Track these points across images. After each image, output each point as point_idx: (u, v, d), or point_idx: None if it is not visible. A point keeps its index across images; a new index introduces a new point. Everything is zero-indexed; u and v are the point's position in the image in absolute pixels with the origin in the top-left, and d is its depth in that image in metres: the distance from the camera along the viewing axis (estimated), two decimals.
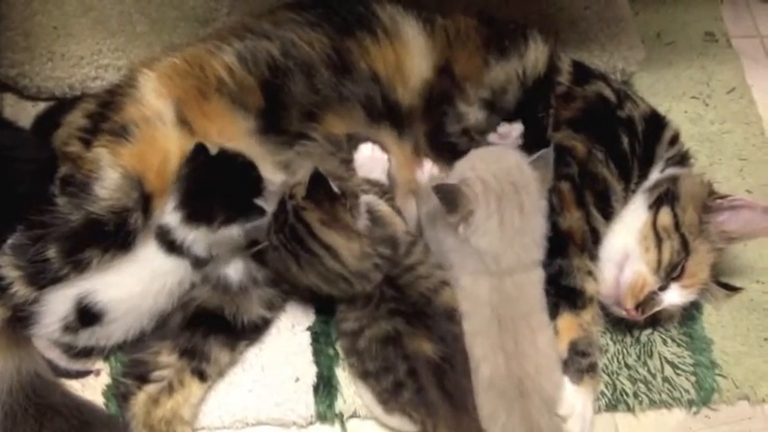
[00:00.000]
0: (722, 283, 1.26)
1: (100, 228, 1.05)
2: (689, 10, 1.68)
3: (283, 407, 1.16)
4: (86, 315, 1.07)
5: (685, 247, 1.19)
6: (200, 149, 1.09)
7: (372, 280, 1.08)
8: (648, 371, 1.26)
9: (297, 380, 1.19)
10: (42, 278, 1.04)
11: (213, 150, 1.10)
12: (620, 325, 1.27)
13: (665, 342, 1.29)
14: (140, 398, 1.11)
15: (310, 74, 1.17)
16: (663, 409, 1.25)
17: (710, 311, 1.33)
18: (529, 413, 1.05)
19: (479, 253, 1.06)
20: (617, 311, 1.21)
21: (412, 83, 1.20)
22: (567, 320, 1.15)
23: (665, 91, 1.56)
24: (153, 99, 1.14)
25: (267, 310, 1.20)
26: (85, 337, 1.09)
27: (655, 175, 1.29)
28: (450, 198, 1.05)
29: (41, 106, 1.33)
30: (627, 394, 1.23)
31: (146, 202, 1.08)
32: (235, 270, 1.18)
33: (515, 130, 1.20)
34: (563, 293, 1.16)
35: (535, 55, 1.26)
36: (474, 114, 1.22)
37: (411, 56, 1.20)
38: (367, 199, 1.13)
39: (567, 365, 1.13)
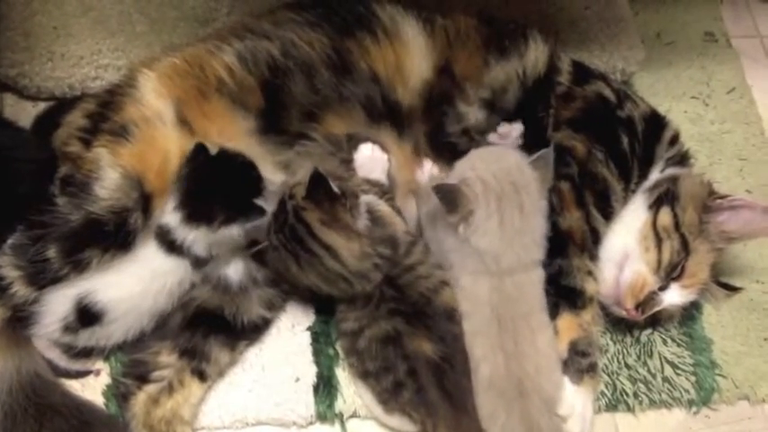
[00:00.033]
0: (722, 283, 1.26)
1: (100, 228, 1.05)
2: (689, 10, 1.68)
3: (283, 407, 1.16)
4: (86, 315, 1.07)
5: (685, 247, 1.19)
6: (200, 149, 1.09)
7: (372, 280, 1.08)
8: (648, 371, 1.26)
9: (297, 380, 1.19)
10: (42, 278, 1.04)
11: (213, 150, 1.10)
12: (620, 325, 1.28)
13: (665, 342, 1.29)
14: (140, 398, 1.11)
15: (310, 74, 1.17)
16: (663, 409, 1.25)
17: (710, 311, 1.33)
18: (528, 413, 1.05)
19: (479, 253, 1.06)
20: (617, 311, 1.21)
21: (412, 83, 1.20)
22: (566, 320, 1.15)
23: (665, 91, 1.56)
24: (153, 99, 1.14)
25: (267, 310, 1.20)
26: (85, 337, 1.09)
27: (655, 175, 1.29)
28: (450, 198, 1.05)
29: (41, 106, 1.33)
30: (627, 394, 1.23)
31: (146, 202, 1.08)
32: (235, 270, 1.18)
33: (515, 129, 1.20)
34: (563, 293, 1.16)
35: (535, 55, 1.26)
36: (474, 114, 1.22)
37: (411, 56, 1.20)
38: (367, 199, 1.13)
39: (566, 365, 1.13)
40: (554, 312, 1.14)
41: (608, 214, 1.22)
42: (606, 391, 1.23)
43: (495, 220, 1.05)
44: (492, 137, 1.21)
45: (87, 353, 1.12)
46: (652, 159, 1.29)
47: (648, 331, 1.29)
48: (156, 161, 1.10)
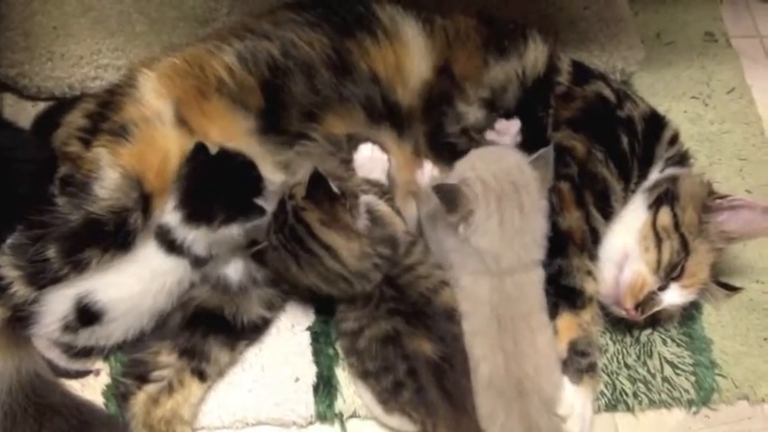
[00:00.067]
0: (722, 282, 1.26)
1: (99, 228, 1.05)
2: (688, 10, 1.68)
3: (283, 407, 1.16)
4: (86, 315, 1.07)
5: (685, 247, 1.19)
6: (200, 149, 1.09)
7: (372, 280, 1.08)
8: (648, 371, 1.26)
9: (297, 380, 1.19)
10: (42, 278, 1.04)
11: (213, 150, 1.10)
12: (619, 325, 1.28)
13: (664, 342, 1.29)
14: (140, 398, 1.11)
15: (310, 74, 1.17)
16: (662, 408, 1.25)
17: (710, 311, 1.33)
18: (528, 413, 1.05)
19: (479, 253, 1.06)
20: (616, 311, 1.21)
21: (411, 83, 1.20)
22: (566, 320, 1.15)
23: (665, 91, 1.56)
24: (153, 99, 1.14)
25: (267, 310, 1.20)
26: (85, 337, 1.09)
27: (654, 174, 1.29)
28: (450, 198, 1.05)
29: (41, 106, 1.33)
30: (626, 394, 1.23)
31: (145, 202, 1.08)
32: (234, 270, 1.18)
33: (513, 126, 1.20)
34: (562, 293, 1.16)
35: (535, 55, 1.26)
36: (474, 114, 1.22)
37: (411, 56, 1.20)
38: (367, 199, 1.13)
39: (566, 365, 1.13)
40: (554, 312, 1.14)
41: (608, 214, 1.22)
42: (606, 391, 1.23)
43: (495, 219, 1.05)
44: (490, 134, 1.21)
45: (87, 353, 1.12)
46: (652, 159, 1.29)
47: (648, 331, 1.29)
48: (156, 161, 1.10)
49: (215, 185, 1.09)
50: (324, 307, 1.21)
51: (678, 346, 1.29)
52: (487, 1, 1.41)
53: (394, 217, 1.15)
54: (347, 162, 1.19)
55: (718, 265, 1.26)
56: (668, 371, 1.27)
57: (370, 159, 1.19)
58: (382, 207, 1.14)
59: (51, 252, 1.03)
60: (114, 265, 1.07)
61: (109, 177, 1.07)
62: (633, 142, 1.26)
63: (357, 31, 1.20)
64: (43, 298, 1.06)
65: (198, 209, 1.09)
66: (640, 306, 1.18)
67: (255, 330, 1.19)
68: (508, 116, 1.21)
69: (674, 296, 1.20)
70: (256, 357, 1.20)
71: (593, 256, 1.19)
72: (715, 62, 1.61)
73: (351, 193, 1.08)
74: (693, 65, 1.61)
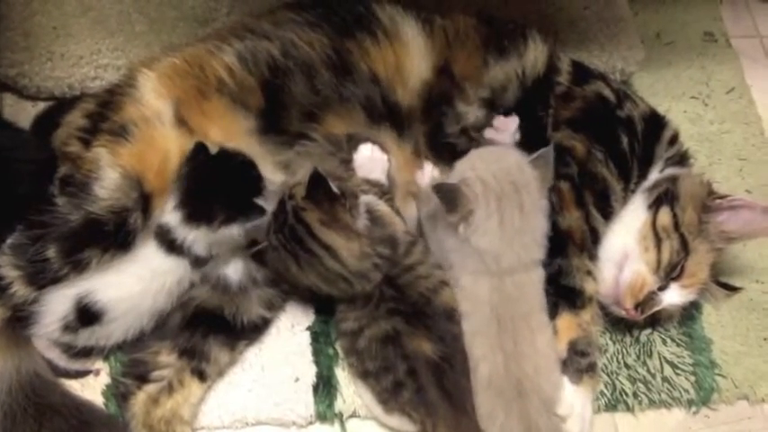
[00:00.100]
0: (722, 282, 1.26)
1: (99, 228, 1.05)
2: (688, 10, 1.68)
3: (283, 407, 1.16)
4: (86, 315, 1.07)
5: (685, 247, 1.19)
6: (200, 149, 1.09)
7: (372, 280, 1.08)
8: (648, 371, 1.26)
9: (296, 380, 1.19)
10: (42, 278, 1.04)
11: (213, 150, 1.10)
12: (619, 325, 1.28)
13: (664, 342, 1.29)
14: (140, 398, 1.11)
15: (310, 74, 1.17)
16: (662, 408, 1.25)
17: (710, 311, 1.33)
18: (527, 413, 1.05)
19: (480, 253, 1.06)
20: (616, 311, 1.21)
21: (411, 84, 1.20)
22: (566, 320, 1.15)
23: (665, 91, 1.56)
24: (152, 99, 1.14)
25: (267, 309, 1.20)
26: (85, 337, 1.09)
27: (654, 174, 1.29)
28: (449, 198, 1.05)
29: (41, 106, 1.33)
30: (626, 394, 1.23)
31: (145, 202, 1.08)
32: (234, 270, 1.18)
33: (512, 122, 1.20)
34: (562, 293, 1.16)
35: (534, 55, 1.26)
36: (473, 114, 1.22)
37: (410, 57, 1.20)
38: (366, 199, 1.13)
39: (566, 365, 1.13)
40: (553, 312, 1.14)
41: (607, 214, 1.22)
42: (606, 391, 1.23)
43: (495, 219, 1.05)
44: (488, 131, 1.20)
45: (87, 352, 1.12)
46: (651, 159, 1.29)
47: (648, 331, 1.29)
48: (156, 161, 1.10)
49: (215, 185, 1.09)
50: (324, 307, 1.21)
51: (678, 345, 1.29)
52: (487, 1, 1.41)
53: (394, 217, 1.15)
54: (347, 162, 1.19)
55: (718, 265, 1.26)
56: (668, 371, 1.27)
57: (370, 159, 1.19)
58: (382, 207, 1.14)
59: (51, 252, 1.03)
60: (114, 265, 1.07)
61: (109, 177, 1.07)
62: (633, 142, 1.26)
63: (357, 32, 1.20)
64: (43, 298, 1.06)
65: (198, 209, 1.08)
66: (640, 306, 1.18)
67: (255, 330, 1.19)
68: (507, 115, 1.21)
69: (673, 296, 1.20)
70: (256, 357, 1.20)
71: (593, 256, 1.19)
72: (715, 62, 1.61)
73: (351, 193, 1.08)
74: (693, 65, 1.61)
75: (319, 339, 1.22)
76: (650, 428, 1.23)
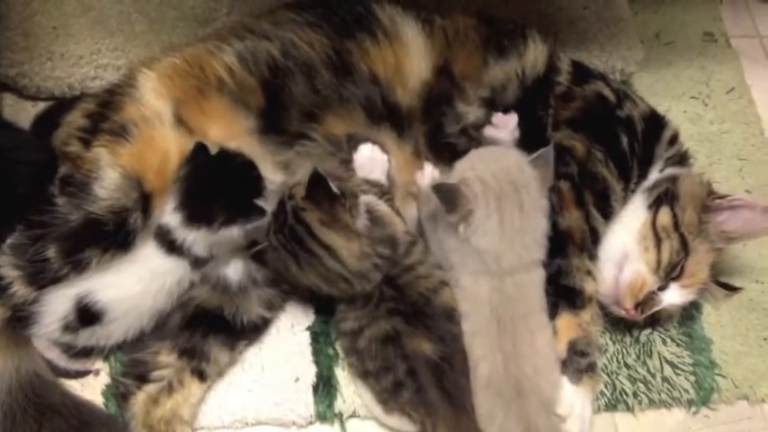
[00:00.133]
0: (722, 282, 1.26)
1: (99, 228, 1.05)
2: (688, 10, 1.68)
3: (283, 407, 1.16)
4: (86, 315, 1.07)
5: (685, 247, 1.19)
6: (199, 149, 1.09)
7: (372, 280, 1.08)
8: (648, 370, 1.26)
9: (296, 380, 1.19)
10: (42, 278, 1.04)
11: (213, 150, 1.10)
12: (619, 325, 1.28)
13: (664, 342, 1.29)
14: (140, 398, 1.11)
15: (310, 74, 1.17)
16: (662, 408, 1.25)
17: (710, 311, 1.33)
18: (526, 413, 1.05)
19: (480, 253, 1.06)
20: (616, 311, 1.21)
21: (411, 84, 1.20)
22: (566, 320, 1.15)
23: (665, 91, 1.56)
24: (152, 99, 1.15)
25: (267, 309, 1.20)
26: (85, 337, 1.09)
27: (654, 174, 1.29)
28: (449, 198, 1.05)
29: (41, 106, 1.33)
30: (626, 394, 1.23)
31: (145, 202, 1.08)
32: (234, 270, 1.18)
33: (511, 120, 1.19)
34: (562, 293, 1.16)
35: (534, 55, 1.26)
36: (473, 114, 1.22)
37: (410, 57, 1.20)
38: (366, 199, 1.13)
39: (565, 365, 1.13)
40: (553, 312, 1.14)
41: (607, 214, 1.22)
42: (605, 391, 1.23)
43: (495, 219, 1.05)
44: (488, 129, 1.20)
45: (87, 353, 1.12)
46: (651, 159, 1.29)
47: (648, 331, 1.29)
48: (156, 161, 1.10)
49: (215, 186, 1.09)
50: (324, 307, 1.21)
51: (678, 345, 1.29)
52: (487, 1, 1.41)
53: (394, 217, 1.15)
54: (347, 162, 1.19)
55: (718, 265, 1.26)
56: (668, 371, 1.27)
57: (370, 160, 1.19)
58: (382, 207, 1.14)
59: (51, 252, 1.03)
60: (114, 265, 1.07)
61: (109, 177, 1.07)
62: (633, 142, 1.26)
63: (357, 32, 1.20)
64: (43, 298, 1.06)
65: (198, 210, 1.08)
66: (640, 306, 1.18)
67: (255, 330, 1.19)
68: (506, 112, 1.21)
69: (673, 296, 1.20)
70: (256, 357, 1.20)
71: (593, 256, 1.20)
72: (714, 62, 1.61)
73: (350, 193, 1.08)
74: (693, 65, 1.60)
75: (319, 339, 1.22)
76: (650, 428, 1.23)
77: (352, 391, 1.18)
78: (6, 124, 1.24)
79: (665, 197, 1.23)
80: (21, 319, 1.07)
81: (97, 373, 1.16)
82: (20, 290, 1.04)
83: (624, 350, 1.27)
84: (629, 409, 1.23)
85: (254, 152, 1.15)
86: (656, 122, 1.32)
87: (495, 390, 1.05)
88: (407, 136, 1.21)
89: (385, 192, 1.19)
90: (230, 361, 1.17)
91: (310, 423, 1.17)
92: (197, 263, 1.12)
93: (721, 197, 1.22)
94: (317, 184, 1.03)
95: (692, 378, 1.26)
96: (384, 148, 1.20)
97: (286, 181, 1.14)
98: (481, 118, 1.22)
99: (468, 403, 1.07)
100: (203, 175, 1.09)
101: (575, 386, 1.13)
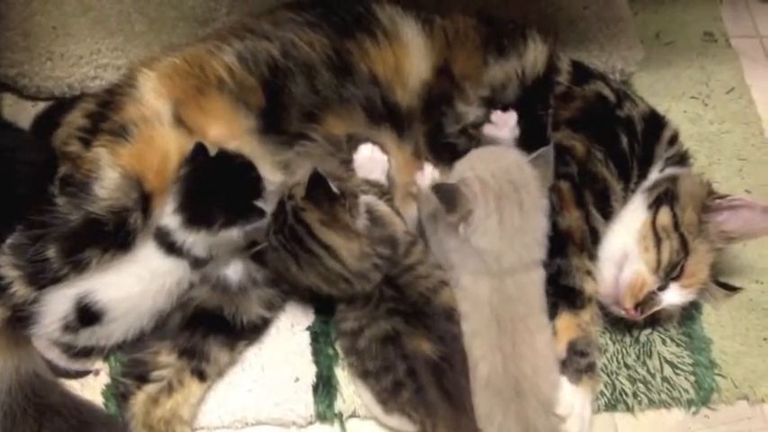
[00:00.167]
0: (721, 282, 1.26)
1: (99, 228, 1.05)
2: (688, 10, 1.68)
3: (283, 407, 1.16)
4: (86, 315, 1.07)
5: (684, 247, 1.19)
6: (199, 150, 1.09)
7: (372, 280, 1.08)
8: (648, 371, 1.26)
9: (296, 380, 1.19)
10: (42, 278, 1.04)
11: (212, 151, 1.10)
12: (619, 325, 1.28)
13: (664, 342, 1.29)
14: (140, 398, 1.11)
15: (311, 75, 1.17)
16: (662, 408, 1.25)
17: (710, 311, 1.33)
18: (525, 414, 1.05)
19: (480, 252, 1.06)
20: (616, 311, 1.21)
21: (411, 84, 1.20)
22: (565, 320, 1.15)
23: (665, 91, 1.56)
24: (152, 99, 1.15)
25: (266, 310, 1.20)
26: (85, 337, 1.09)
27: (654, 174, 1.29)
28: (448, 197, 1.05)
29: (41, 106, 1.33)
30: (626, 394, 1.23)
31: (145, 202, 1.08)
32: (234, 270, 1.18)
33: (511, 118, 1.19)
34: (562, 293, 1.16)
35: (534, 55, 1.26)
36: (473, 113, 1.22)
37: (410, 57, 1.20)
38: (366, 199, 1.13)
39: (565, 365, 1.13)
40: (553, 312, 1.14)
41: (607, 214, 1.22)
42: (605, 391, 1.23)
43: (495, 218, 1.05)
44: (487, 127, 1.20)
45: (87, 353, 1.13)
46: (651, 159, 1.29)
47: (648, 331, 1.29)
48: (156, 161, 1.10)
49: (214, 188, 1.09)
50: (324, 307, 1.21)
51: (678, 345, 1.29)
52: (487, 1, 1.41)
53: (394, 217, 1.15)
54: (347, 162, 1.19)
55: (718, 265, 1.26)
56: (668, 371, 1.27)
57: (370, 160, 1.19)
58: (382, 207, 1.14)
59: (51, 252, 1.03)
60: (114, 266, 1.07)
61: (109, 177, 1.07)
62: (633, 142, 1.26)
63: (357, 32, 1.20)
64: (43, 298, 1.06)
65: (197, 212, 1.08)
66: (640, 306, 1.18)
67: (255, 330, 1.19)
68: (506, 110, 1.21)
69: (673, 296, 1.20)
70: (256, 357, 1.20)
71: (593, 256, 1.20)
72: (714, 62, 1.61)
73: (350, 194, 1.08)
74: (693, 65, 1.60)
75: (319, 339, 1.22)
76: (650, 428, 1.23)
77: (352, 391, 1.18)
78: (6, 124, 1.24)
79: (665, 197, 1.23)
80: (21, 319, 1.07)
81: (97, 373, 1.16)
82: (20, 290, 1.04)
83: (624, 350, 1.27)
84: (628, 409, 1.23)
85: (253, 152, 1.15)
86: (655, 122, 1.32)
87: (495, 390, 1.05)
88: (407, 136, 1.21)
89: (385, 192, 1.19)
90: (230, 361, 1.17)
91: (310, 423, 1.17)
92: (197, 263, 1.12)
93: (721, 197, 1.22)
94: (316, 184, 1.03)
95: (692, 378, 1.26)
96: (384, 149, 1.20)
97: (286, 181, 1.14)
98: (481, 118, 1.22)
99: (468, 403, 1.07)
100: (203, 177, 1.09)
101: (574, 386, 1.13)
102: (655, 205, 1.23)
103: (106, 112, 1.16)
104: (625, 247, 1.21)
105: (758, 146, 1.53)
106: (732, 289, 1.26)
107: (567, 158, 1.21)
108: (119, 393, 1.12)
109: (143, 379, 1.12)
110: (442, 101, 1.21)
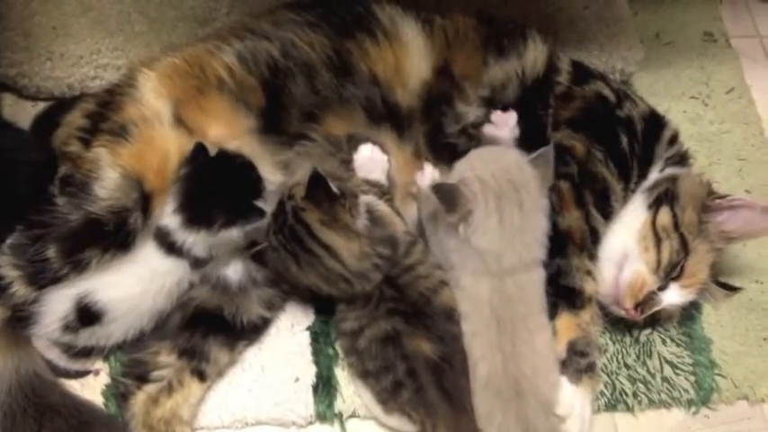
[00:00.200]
0: (721, 282, 1.26)
1: (99, 228, 1.05)
2: (688, 10, 1.68)
3: (283, 407, 1.16)
4: (86, 315, 1.07)
5: (684, 247, 1.19)
6: (199, 150, 1.09)
7: (372, 280, 1.08)
8: (648, 371, 1.26)
9: (296, 380, 1.19)
10: (42, 278, 1.04)
11: (212, 151, 1.10)
12: (619, 325, 1.27)
13: (664, 342, 1.29)
14: (140, 398, 1.11)
15: (311, 75, 1.17)
16: (662, 408, 1.25)
17: (710, 311, 1.33)
18: (525, 414, 1.05)
19: (480, 252, 1.06)
20: (616, 311, 1.21)
21: (411, 84, 1.20)
22: (565, 320, 1.15)
23: (665, 91, 1.56)
24: (152, 99, 1.15)
25: (266, 310, 1.20)
26: (85, 337, 1.09)
27: (654, 174, 1.29)
28: (448, 198, 1.05)
29: (41, 106, 1.33)
30: (626, 394, 1.23)
31: (145, 202, 1.08)
32: (234, 270, 1.18)
33: (510, 117, 1.19)
34: (562, 293, 1.16)
35: (534, 55, 1.26)
36: (473, 113, 1.22)
37: (410, 57, 1.20)
38: (366, 199, 1.13)
39: (565, 365, 1.13)
40: (553, 312, 1.14)
41: (607, 214, 1.22)
42: (605, 391, 1.23)
43: (495, 218, 1.05)
44: (487, 127, 1.20)
45: (87, 353, 1.13)
46: (651, 159, 1.29)
47: (648, 331, 1.29)
48: (156, 161, 1.10)
49: (214, 188, 1.09)
50: (324, 307, 1.21)
51: (678, 345, 1.29)
52: (487, 1, 1.41)
53: (394, 217, 1.15)
54: (347, 162, 1.19)
55: (718, 265, 1.26)
56: (668, 371, 1.27)
57: (370, 160, 1.19)
58: (382, 207, 1.14)
59: (51, 252, 1.03)
60: (114, 266, 1.07)
61: (109, 177, 1.07)
62: (633, 142, 1.26)
63: (357, 32, 1.20)
64: (43, 298, 1.06)
65: (197, 213, 1.08)
66: (640, 306, 1.18)
67: (255, 330, 1.19)
68: (505, 110, 1.21)
69: (673, 296, 1.20)
70: (256, 357, 1.20)
71: (593, 256, 1.19)
72: (714, 62, 1.61)
73: (350, 194, 1.08)
74: (693, 65, 1.60)
75: (319, 339, 1.22)
76: (650, 428, 1.23)
77: (352, 391, 1.18)
78: (6, 124, 1.24)
79: (664, 197, 1.23)
80: (21, 319, 1.07)
81: (97, 373, 1.16)
82: (20, 290, 1.04)
83: (624, 350, 1.27)
84: (628, 409, 1.23)
85: (253, 152, 1.15)
86: (655, 122, 1.32)
87: (494, 390, 1.05)
88: (407, 136, 1.21)
89: (385, 192, 1.19)
90: (230, 361, 1.17)
91: (310, 423, 1.17)
92: (197, 263, 1.12)
93: (721, 197, 1.22)
94: (316, 184, 1.03)
95: (692, 378, 1.26)
96: (384, 149, 1.20)
97: (286, 181, 1.14)
98: (481, 118, 1.22)
99: (468, 403, 1.07)
100: (202, 177, 1.09)
101: (574, 386, 1.13)
102: (655, 205, 1.23)
103: (106, 112, 1.16)
104: (625, 247, 1.21)
105: (758, 146, 1.53)
106: (732, 289, 1.26)
107: (567, 158, 1.21)
108: (119, 393, 1.12)
109: (143, 379, 1.12)
110: (442, 101, 1.21)
